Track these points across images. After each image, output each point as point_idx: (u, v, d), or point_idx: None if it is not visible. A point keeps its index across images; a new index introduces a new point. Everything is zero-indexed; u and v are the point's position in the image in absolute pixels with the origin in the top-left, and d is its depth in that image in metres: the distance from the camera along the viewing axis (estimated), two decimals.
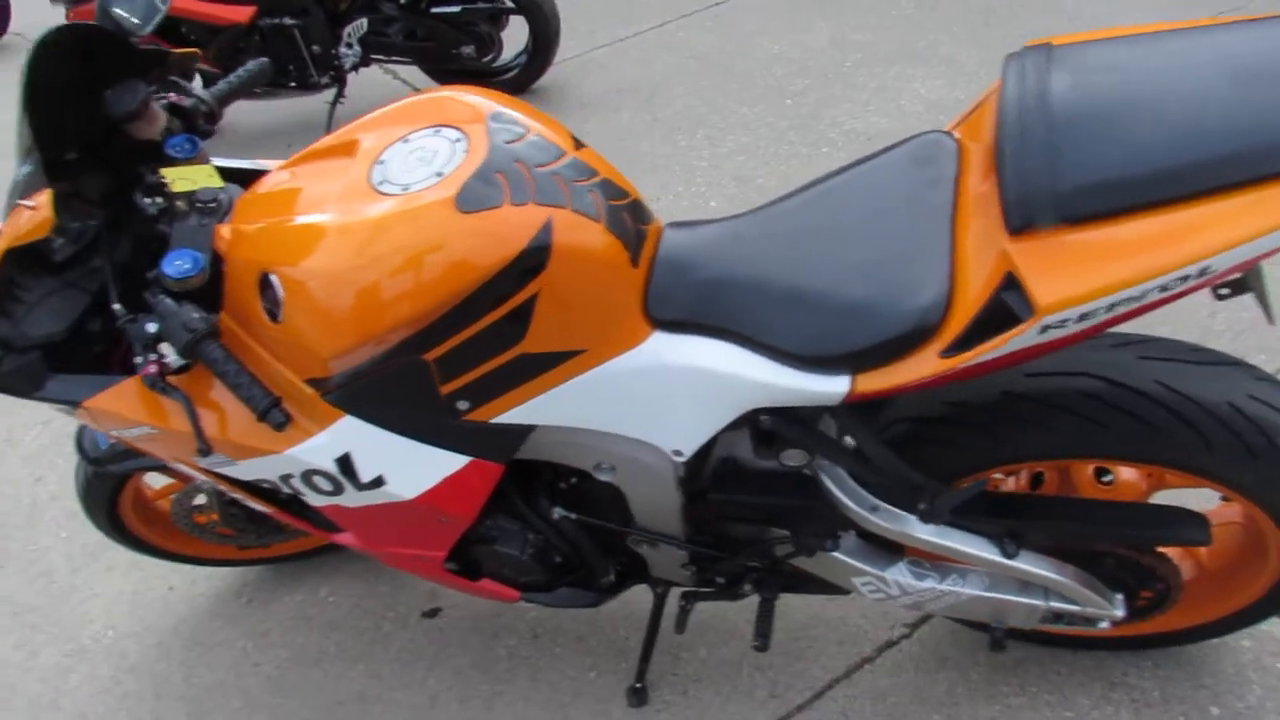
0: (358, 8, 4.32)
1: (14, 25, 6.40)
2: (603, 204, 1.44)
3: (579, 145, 1.51)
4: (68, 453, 3.10)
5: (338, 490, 1.65)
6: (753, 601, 1.97)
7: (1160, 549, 1.75)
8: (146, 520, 2.36)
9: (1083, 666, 2.08)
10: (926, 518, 1.62)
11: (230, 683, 2.39)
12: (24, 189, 1.51)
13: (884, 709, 2.09)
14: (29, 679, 2.47)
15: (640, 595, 2.26)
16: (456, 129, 1.46)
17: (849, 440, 1.62)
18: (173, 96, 1.67)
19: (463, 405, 1.52)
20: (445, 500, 1.65)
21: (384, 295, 1.37)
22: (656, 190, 3.90)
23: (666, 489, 1.66)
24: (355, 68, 4.48)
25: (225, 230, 1.51)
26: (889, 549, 1.80)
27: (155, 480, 2.38)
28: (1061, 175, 1.19)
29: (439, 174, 1.39)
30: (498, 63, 4.63)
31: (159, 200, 1.54)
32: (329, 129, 4.16)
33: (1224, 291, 1.34)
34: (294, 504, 1.87)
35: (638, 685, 2.16)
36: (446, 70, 4.59)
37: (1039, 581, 1.72)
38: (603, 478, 1.68)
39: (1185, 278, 1.16)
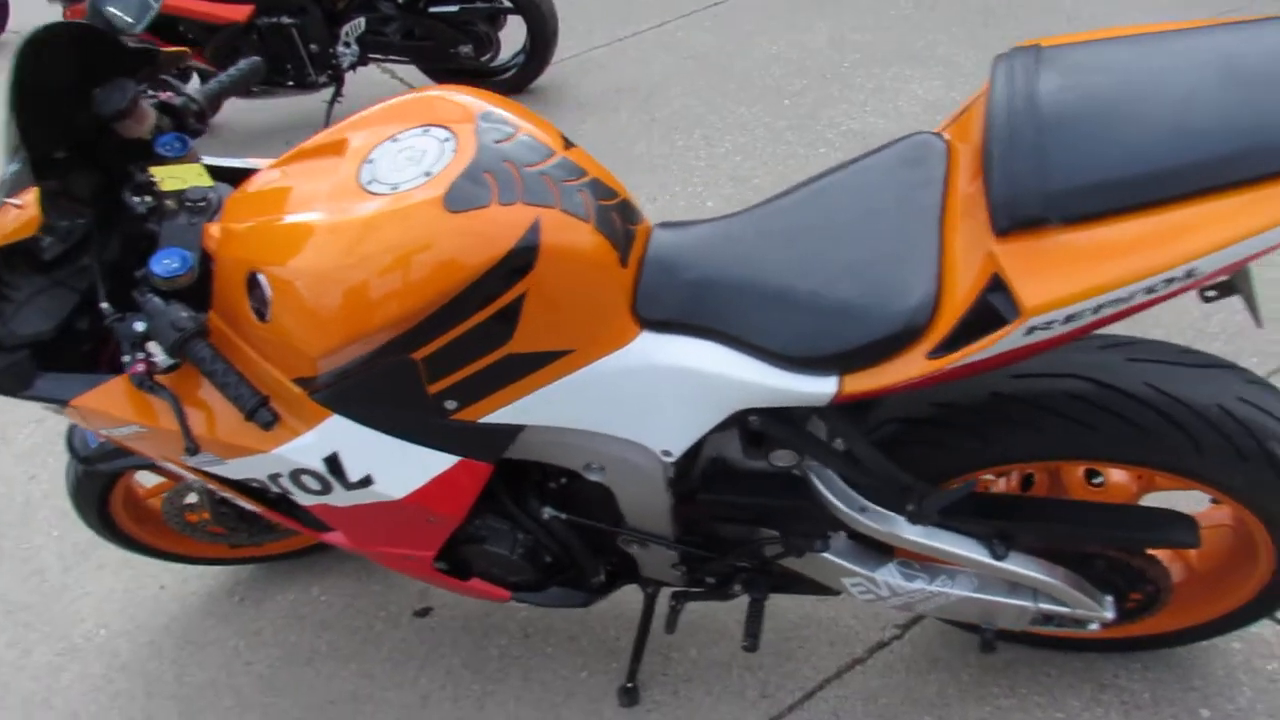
0: (355, 7, 4.32)
1: (12, 23, 6.40)
2: (592, 204, 1.44)
3: (568, 145, 1.51)
4: (61, 451, 3.10)
5: (326, 490, 1.65)
6: (744, 601, 1.98)
7: (1150, 551, 1.74)
8: (138, 519, 2.36)
9: (1073, 668, 2.08)
10: (915, 519, 1.62)
11: (222, 681, 2.39)
12: (11, 187, 1.51)
13: (875, 710, 2.09)
14: (21, 677, 2.47)
15: (631, 595, 2.27)
16: (445, 128, 1.45)
17: (838, 441, 1.62)
18: (163, 95, 1.66)
19: (451, 405, 1.52)
20: (433, 500, 1.64)
21: (371, 295, 1.37)
22: (654, 190, 3.90)
23: (656, 489, 1.66)
24: (353, 67, 4.48)
25: (214, 229, 1.51)
26: (879, 550, 1.79)
27: (146, 479, 2.38)
28: (1049, 177, 1.19)
29: (427, 173, 1.39)
30: (495, 62, 4.63)
31: (148, 199, 1.54)
32: (326, 128, 4.16)
33: (1211, 294, 1.34)
34: (283, 503, 1.87)
35: (629, 685, 2.16)
36: (444, 70, 4.59)
37: (1028, 583, 1.72)
38: (592, 478, 1.68)
39: (1171, 280, 1.16)
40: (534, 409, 1.54)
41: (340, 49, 4.33)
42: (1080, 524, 1.64)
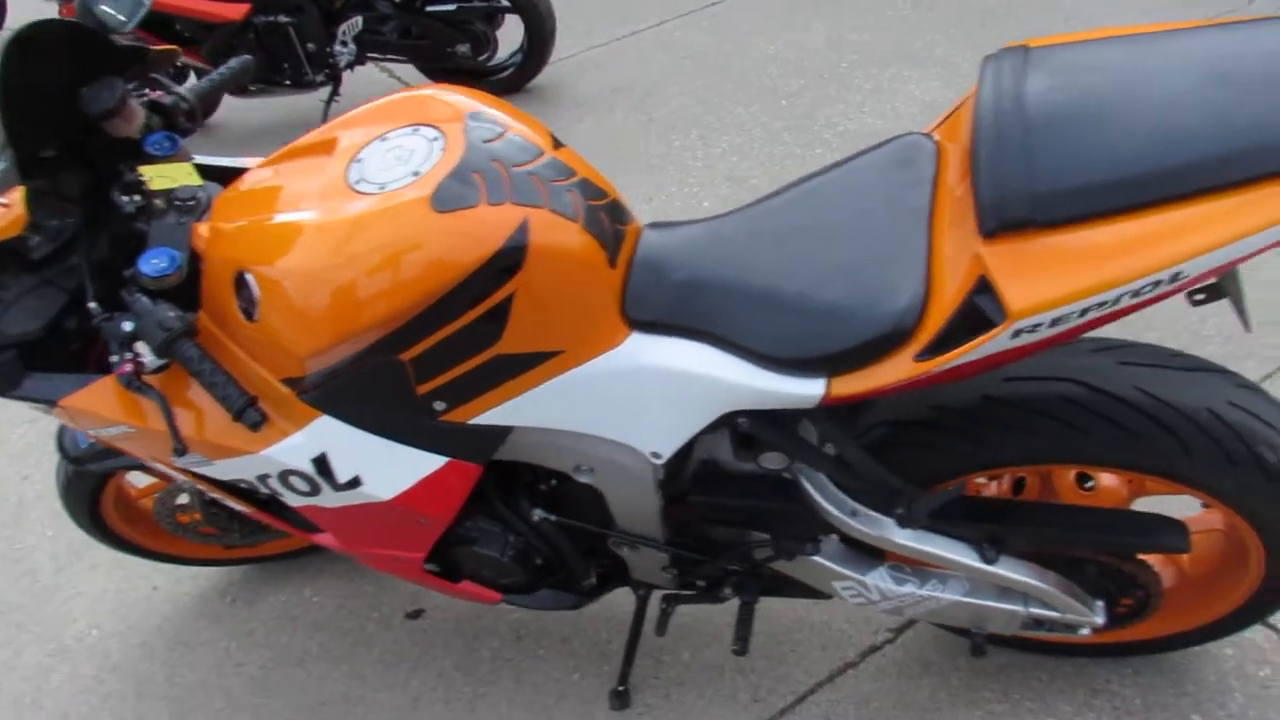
0: (352, 6, 4.31)
1: (9, 21, 6.39)
2: (581, 204, 1.43)
3: (558, 145, 1.51)
4: (54, 451, 3.08)
5: (315, 491, 1.64)
6: (737, 605, 1.97)
7: (1141, 556, 1.74)
8: (129, 519, 2.35)
9: (1064, 673, 2.07)
10: (904, 522, 1.61)
11: (213, 682, 2.39)
12: None
13: (866, 714, 2.08)
14: (12, 678, 2.46)
15: (623, 598, 2.26)
16: (434, 128, 1.45)
17: (828, 445, 1.61)
18: (153, 94, 1.66)
19: (439, 406, 1.51)
20: (423, 501, 1.64)
21: (359, 294, 1.36)
22: (650, 190, 3.89)
23: (646, 491, 1.66)
24: (350, 66, 4.47)
25: (203, 229, 1.51)
26: (870, 553, 1.79)
27: (138, 479, 2.37)
28: (1035, 178, 1.18)
29: (416, 173, 1.38)
30: (493, 62, 4.62)
31: (136, 198, 1.54)
32: None
33: (1199, 298, 1.34)
34: (273, 504, 1.86)
35: (620, 688, 2.15)
36: (442, 69, 4.58)
37: (1019, 587, 1.71)
38: (582, 479, 1.67)
39: (1158, 283, 1.15)
40: (523, 410, 1.53)
41: (337, 48, 4.33)
42: (1070, 528, 1.63)
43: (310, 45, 4.27)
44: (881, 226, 1.40)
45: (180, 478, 1.85)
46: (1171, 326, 2.82)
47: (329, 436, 1.56)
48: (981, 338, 1.22)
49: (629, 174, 4.01)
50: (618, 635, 2.30)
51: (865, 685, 2.13)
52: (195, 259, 1.50)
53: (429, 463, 1.60)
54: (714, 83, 4.52)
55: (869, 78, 4.36)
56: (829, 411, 1.47)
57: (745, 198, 3.72)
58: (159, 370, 1.61)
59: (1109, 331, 2.74)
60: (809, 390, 1.39)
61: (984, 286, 1.22)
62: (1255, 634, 2.08)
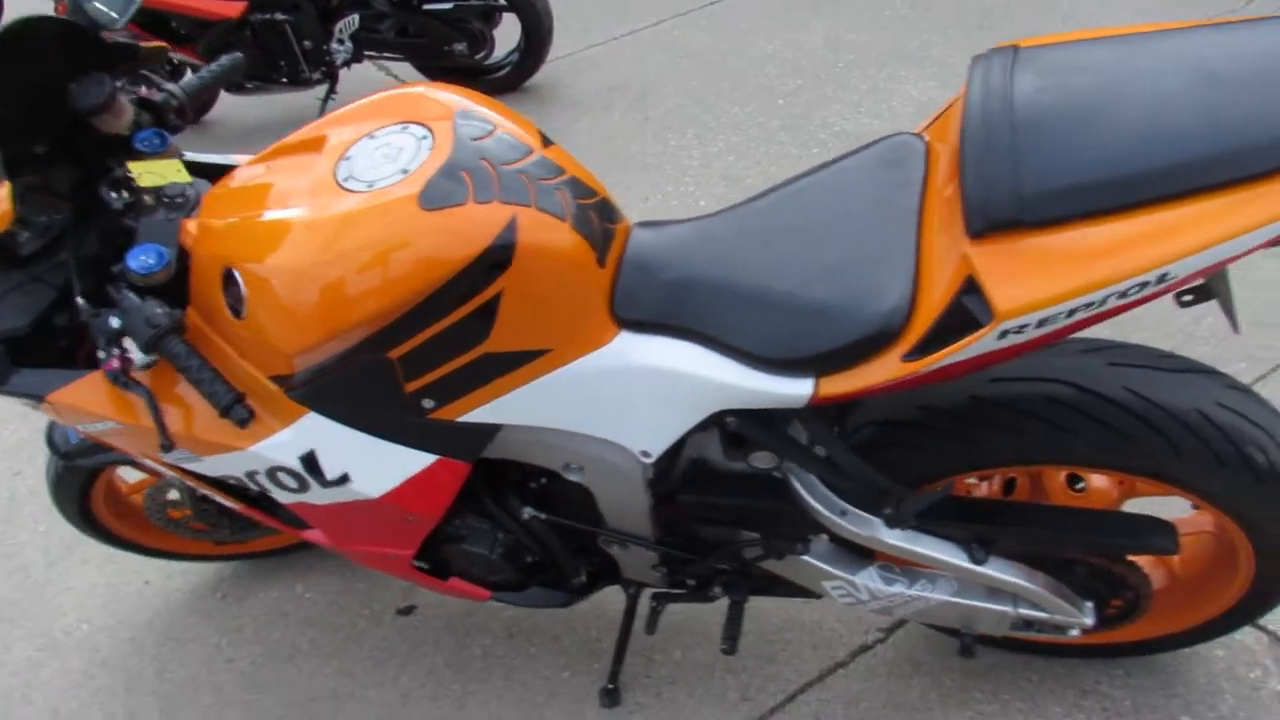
0: (349, 4, 4.30)
1: (4, 17, 6.39)
2: (569, 203, 1.43)
3: (547, 143, 1.51)
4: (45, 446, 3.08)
5: (303, 488, 1.64)
6: (727, 604, 1.97)
7: (1130, 557, 1.74)
8: (119, 514, 2.35)
9: (1055, 674, 2.07)
10: (892, 522, 1.61)
11: (203, 678, 2.38)
12: None
13: (856, 713, 2.08)
14: (2, 672, 2.46)
15: (615, 596, 2.25)
16: (423, 126, 1.45)
17: (817, 445, 1.61)
18: (143, 90, 1.66)
19: (428, 404, 1.51)
20: (411, 499, 1.64)
21: (346, 292, 1.36)
22: (646, 189, 3.89)
23: (635, 490, 1.65)
24: (347, 64, 4.47)
25: (191, 225, 1.50)
26: (860, 553, 1.79)
27: (129, 475, 2.37)
28: (1022, 179, 1.18)
29: (404, 171, 1.38)
30: (490, 60, 4.61)
31: (125, 194, 1.53)
32: None
33: (1187, 299, 1.34)
34: (263, 501, 1.86)
35: (610, 686, 2.15)
36: (439, 67, 4.58)
37: (1008, 588, 1.71)
38: (571, 478, 1.67)
39: (1145, 284, 1.15)
40: (511, 408, 1.53)
41: (334, 46, 4.32)
42: (1059, 529, 1.63)
43: (307, 43, 4.26)
44: (870, 226, 1.40)
45: (169, 473, 1.85)
46: (1164, 327, 2.82)
47: (317, 434, 1.56)
48: (968, 338, 1.22)
49: (625, 173, 4.00)
50: (609, 633, 2.30)
51: (855, 685, 2.13)
52: (184, 256, 1.50)
53: (417, 460, 1.59)
54: (711, 82, 4.52)
55: (866, 78, 4.35)
56: (817, 411, 1.46)
57: (741, 197, 3.70)
58: (148, 367, 1.61)
59: (1101, 332, 2.74)
60: (797, 390, 1.39)
61: (971, 287, 1.22)
62: (1246, 636, 2.08)
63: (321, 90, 4.50)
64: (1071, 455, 1.50)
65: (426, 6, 4.35)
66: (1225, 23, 1.24)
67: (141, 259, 1.40)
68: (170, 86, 1.68)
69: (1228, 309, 1.33)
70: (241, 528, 2.34)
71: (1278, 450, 1.49)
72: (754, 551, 1.77)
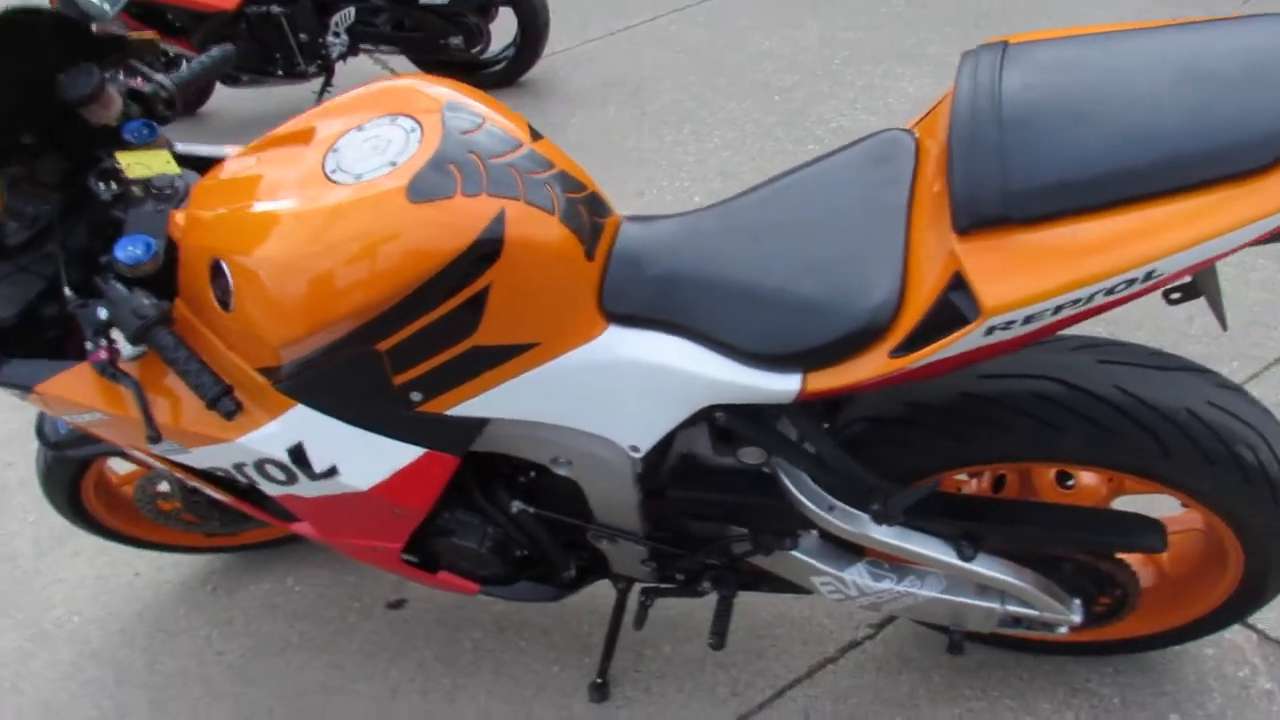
0: None
1: None
2: (558, 196, 1.42)
3: (536, 137, 1.50)
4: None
5: (291, 480, 1.64)
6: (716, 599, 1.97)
7: (1119, 555, 1.74)
8: (110, 506, 2.34)
9: (1044, 671, 2.07)
10: (879, 518, 1.61)
11: (192, 671, 2.38)
12: None
13: (845, 709, 2.08)
14: None
15: (606, 590, 2.25)
16: (412, 118, 1.44)
17: (806, 441, 1.61)
18: (132, 81, 1.65)
19: (416, 396, 1.51)
20: (399, 492, 1.63)
21: (333, 284, 1.36)
22: (641, 184, 3.88)
23: (624, 484, 1.65)
24: (343, 57, 4.46)
25: (180, 216, 1.50)
26: (849, 549, 1.79)
27: (119, 466, 2.37)
28: (1010, 175, 1.18)
29: (392, 163, 1.38)
30: (486, 55, 4.61)
31: (113, 185, 1.53)
32: None
33: (1175, 296, 1.33)
34: (252, 493, 1.86)
35: (599, 681, 2.15)
36: (435, 61, 4.57)
37: (996, 585, 1.71)
38: (560, 472, 1.67)
39: (1131, 281, 1.15)
40: (500, 402, 1.53)
41: (330, 39, 4.31)
42: (1047, 526, 1.63)
43: (302, 35, 4.25)
44: (859, 222, 1.39)
45: (158, 465, 1.84)
46: (1158, 325, 2.82)
47: (305, 426, 1.55)
48: (955, 334, 1.22)
49: (621, 168, 4.00)
50: (599, 628, 2.30)
51: (844, 681, 2.13)
52: (172, 247, 1.49)
53: (406, 453, 1.59)
54: (707, 77, 4.51)
55: (862, 74, 4.35)
56: (803, 407, 1.46)
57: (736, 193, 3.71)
58: (136, 358, 1.61)
59: (1097, 331, 2.74)
60: (785, 385, 1.39)
61: (959, 283, 1.21)
62: (1235, 634, 2.08)
63: (317, 83, 4.48)
64: (1060, 452, 1.50)
65: (422, 0, 4.34)
66: (1215, 20, 1.24)
67: (129, 250, 1.40)
68: (159, 78, 1.68)
69: (1216, 307, 1.33)
70: (232, 520, 2.34)
71: (1267, 449, 1.49)
72: (743, 547, 1.77)
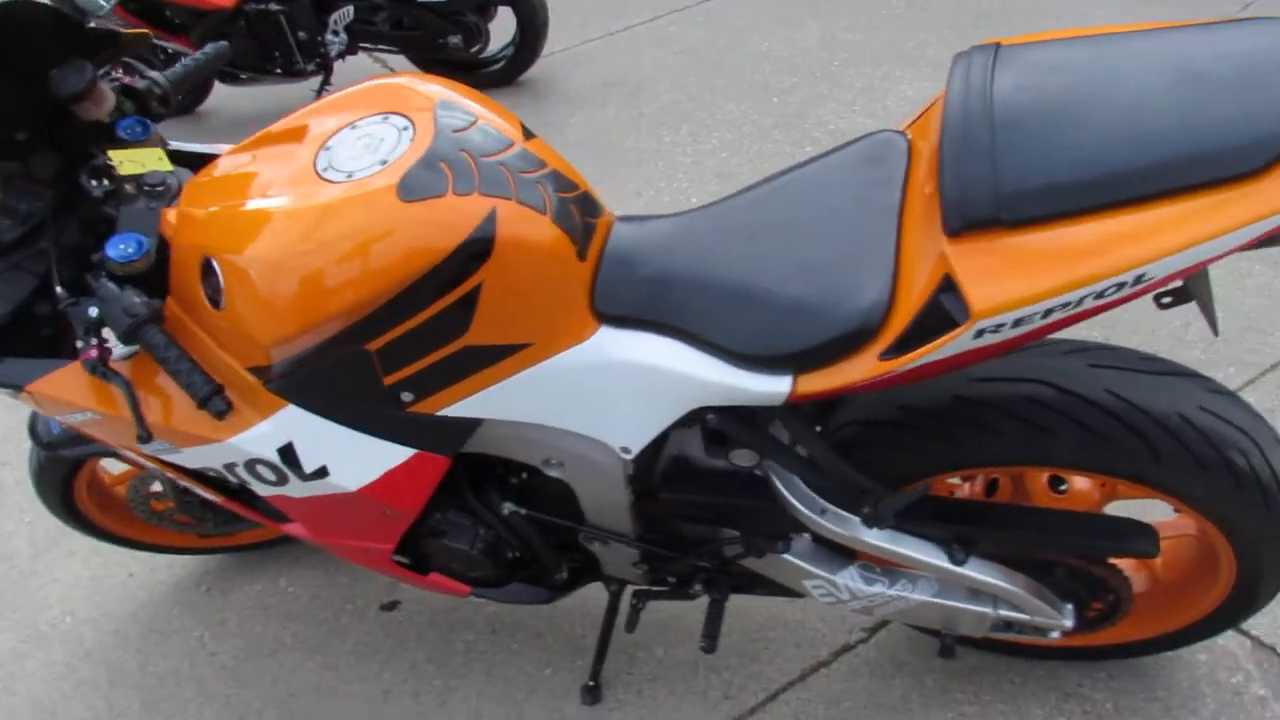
0: None
1: None
2: (550, 196, 1.42)
3: (529, 136, 1.50)
4: None
5: (282, 480, 1.63)
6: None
7: (1111, 560, 1.73)
8: (103, 506, 2.34)
9: (1037, 676, 2.07)
10: (870, 521, 1.60)
11: (185, 672, 2.38)
12: None
13: (837, 713, 2.07)
14: None
15: (599, 593, 2.25)
16: (404, 116, 1.44)
17: (798, 444, 1.60)
18: (126, 78, 1.65)
19: (407, 397, 1.50)
20: (390, 493, 1.63)
21: (323, 283, 1.35)
22: (639, 185, 3.88)
23: (615, 486, 1.65)
24: (341, 55, 4.46)
25: (172, 214, 1.50)
26: (841, 553, 1.78)
27: (113, 466, 2.36)
28: (1000, 178, 1.17)
29: (383, 161, 1.37)
30: (485, 54, 4.61)
31: (105, 183, 1.53)
32: None
33: (1166, 300, 1.33)
34: (244, 494, 1.85)
35: (591, 683, 2.15)
36: (433, 60, 4.57)
37: (988, 589, 1.71)
38: (552, 473, 1.66)
39: (1121, 285, 1.14)
40: (491, 403, 1.52)
41: (328, 37, 4.31)
42: (1039, 531, 1.63)
43: (301, 34, 4.25)
44: (851, 224, 1.39)
45: (150, 465, 1.84)
46: (1154, 331, 2.82)
47: (295, 426, 1.55)
48: (945, 337, 1.22)
49: (619, 168, 4.00)
50: (593, 630, 2.29)
51: (837, 684, 2.13)
52: (164, 245, 1.49)
53: (396, 454, 1.59)
54: (706, 79, 4.51)
55: (861, 76, 4.35)
56: (794, 409, 1.46)
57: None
58: (128, 357, 1.60)
59: (1090, 334, 2.74)
60: (775, 387, 1.38)
61: (949, 285, 1.21)
62: (1229, 640, 2.07)
63: (316, 82, 4.49)
64: (1051, 456, 1.50)
65: None
66: (1210, 23, 1.23)
67: (121, 248, 1.40)
68: (153, 74, 1.67)
69: (1207, 311, 1.33)
70: (225, 520, 2.33)
71: (1259, 454, 1.48)
72: (734, 549, 1.77)
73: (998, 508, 1.70)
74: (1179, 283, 1.29)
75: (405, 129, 1.41)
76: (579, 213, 1.46)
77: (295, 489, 1.65)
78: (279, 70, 4.40)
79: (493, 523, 1.81)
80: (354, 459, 1.59)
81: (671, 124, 4.22)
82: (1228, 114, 1.12)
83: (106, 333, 1.47)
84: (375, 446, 1.58)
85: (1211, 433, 1.45)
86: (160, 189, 1.51)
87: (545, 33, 4.51)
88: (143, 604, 2.54)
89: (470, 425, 1.57)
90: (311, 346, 1.42)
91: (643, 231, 1.53)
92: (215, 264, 1.41)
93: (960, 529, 1.65)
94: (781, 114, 4.17)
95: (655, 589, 1.97)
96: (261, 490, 1.69)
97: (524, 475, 1.79)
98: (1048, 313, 1.17)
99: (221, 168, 1.55)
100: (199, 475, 1.80)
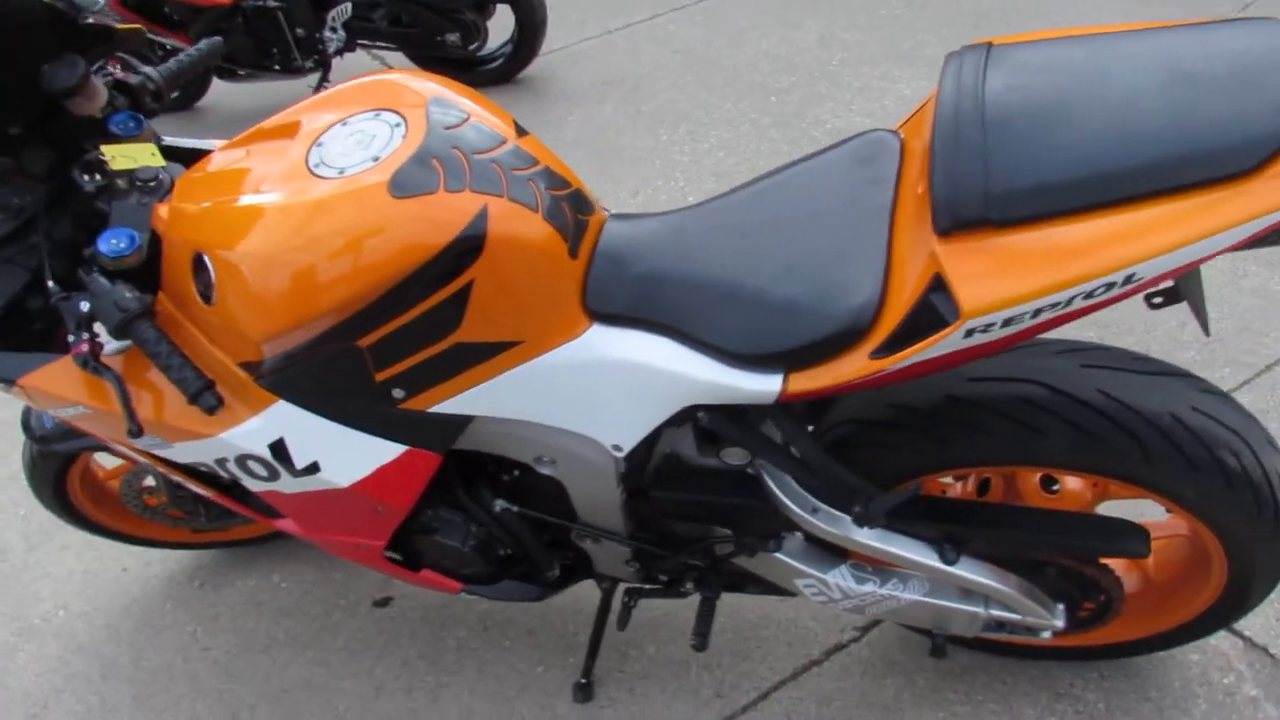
0: None
1: None
2: (542, 193, 1.42)
3: (521, 133, 1.50)
4: None
5: (273, 476, 1.63)
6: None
7: (1103, 561, 1.73)
8: (96, 500, 2.34)
9: (1029, 676, 2.07)
10: (861, 521, 1.60)
11: (178, 666, 2.38)
12: None
13: (828, 712, 2.07)
14: None
15: (592, 590, 2.25)
16: (396, 113, 1.44)
17: (789, 440, 1.60)
18: (119, 73, 1.65)
19: (398, 393, 1.50)
20: (381, 489, 1.63)
21: (314, 279, 1.35)
22: (636, 184, 3.88)
23: (607, 484, 1.65)
24: (339, 52, 4.46)
25: (163, 209, 1.49)
26: (832, 552, 1.78)
27: (106, 460, 2.36)
28: (991, 177, 1.17)
29: (375, 158, 1.37)
30: (483, 51, 4.61)
31: (98, 177, 1.53)
32: None
33: (1157, 300, 1.33)
34: (235, 489, 1.85)
35: (584, 681, 2.15)
36: (431, 57, 4.57)
37: (979, 589, 1.71)
38: (544, 471, 1.66)
39: (1111, 285, 1.14)
40: (483, 400, 1.52)
41: (326, 34, 4.31)
42: (1030, 531, 1.62)
43: (299, 30, 4.25)
44: (843, 223, 1.39)
45: (142, 460, 1.84)
46: (1152, 333, 2.82)
47: (286, 422, 1.55)
48: (934, 336, 1.21)
49: (617, 167, 4.00)
50: (585, 628, 2.29)
51: (829, 684, 2.13)
52: (156, 240, 1.49)
53: (387, 450, 1.58)
54: (704, 78, 4.51)
55: (859, 76, 4.35)
56: (785, 407, 1.46)
57: None
58: (120, 352, 1.60)
59: (1085, 334, 2.74)
60: (766, 386, 1.38)
61: (939, 285, 1.21)
62: (1221, 640, 2.08)
63: (314, 79, 4.48)
64: (1043, 456, 1.50)
65: None
66: (1204, 23, 1.23)
67: (112, 242, 1.40)
68: (146, 69, 1.67)
69: (1198, 312, 1.33)
70: (218, 516, 2.33)
71: (1250, 455, 1.48)
72: (726, 548, 1.77)
73: (989, 507, 1.70)
74: (1170, 283, 1.29)
75: (397, 125, 1.41)
76: (571, 210, 1.46)
77: (286, 485, 1.65)
78: (277, 67, 4.39)
79: (484, 520, 1.81)
80: (345, 455, 1.58)
81: (669, 123, 4.22)
82: (1219, 114, 1.12)
83: (98, 327, 1.47)
84: (366, 443, 1.58)
85: (1203, 433, 1.45)
86: (153, 184, 1.51)
87: (543, 30, 4.51)
88: (136, 598, 2.54)
89: (461, 422, 1.57)
90: (303, 342, 1.42)
91: (635, 229, 1.52)
92: (207, 259, 1.41)
93: (952, 528, 1.65)
94: (779, 113, 4.17)
95: (647, 587, 1.97)
96: (253, 486, 1.69)
97: (516, 473, 1.78)
98: (1037, 313, 1.17)
99: (214, 163, 1.54)
100: (190, 470, 1.80)
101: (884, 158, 1.43)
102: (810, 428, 1.65)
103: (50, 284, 1.49)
